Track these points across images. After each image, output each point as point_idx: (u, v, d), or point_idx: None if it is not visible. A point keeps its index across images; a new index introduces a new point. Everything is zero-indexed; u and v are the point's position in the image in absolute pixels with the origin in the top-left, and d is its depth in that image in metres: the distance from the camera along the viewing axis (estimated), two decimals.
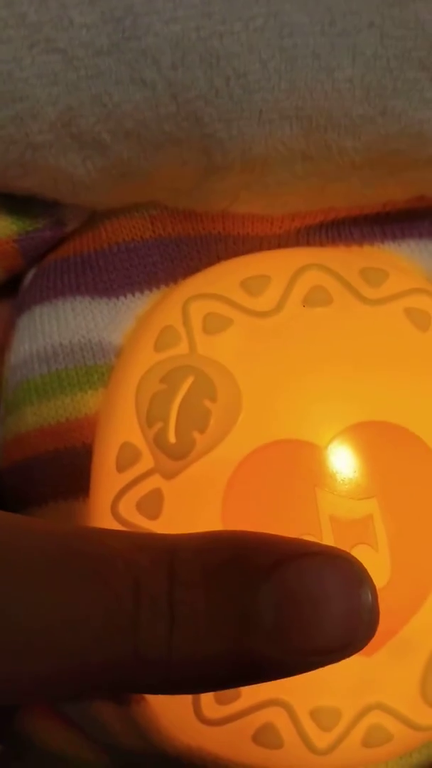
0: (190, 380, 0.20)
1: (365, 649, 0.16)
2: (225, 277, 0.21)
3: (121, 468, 0.20)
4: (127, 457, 0.20)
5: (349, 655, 0.14)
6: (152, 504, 0.20)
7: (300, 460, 0.20)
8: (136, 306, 0.22)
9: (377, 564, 0.18)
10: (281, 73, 0.17)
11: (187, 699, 0.19)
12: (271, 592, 0.14)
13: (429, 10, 0.17)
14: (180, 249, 0.22)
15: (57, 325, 0.21)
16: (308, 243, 0.22)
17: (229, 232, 0.22)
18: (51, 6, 0.17)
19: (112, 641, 0.14)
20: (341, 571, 0.15)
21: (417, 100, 0.18)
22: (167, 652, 0.14)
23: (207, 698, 0.19)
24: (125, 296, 0.22)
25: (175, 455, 0.20)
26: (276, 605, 0.14)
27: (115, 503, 0.20)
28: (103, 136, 0.18)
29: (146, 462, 0.20)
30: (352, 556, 0.15)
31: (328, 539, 0.18)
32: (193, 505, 0.19)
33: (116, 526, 0.19)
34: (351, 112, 0.18)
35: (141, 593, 0.14)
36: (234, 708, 0.19)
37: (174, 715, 0.20)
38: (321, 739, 0.19)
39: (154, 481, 0.20)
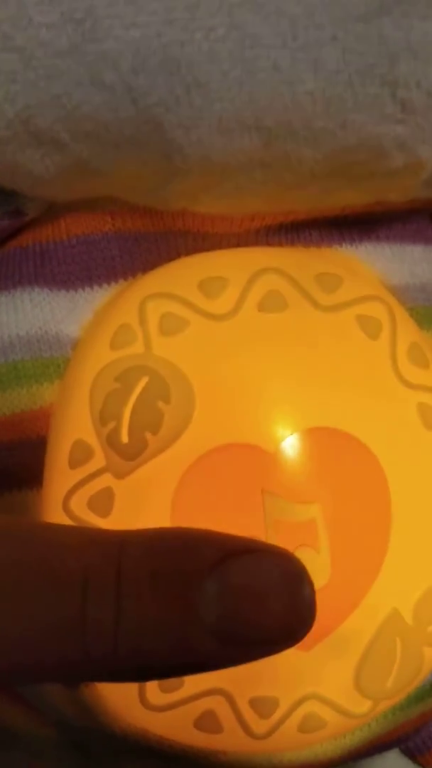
0: (144, 381, 0.20)
1: (304, 643, 0.16)
2: (183, 276, 0.21)
3: (73, 465, 0.20)
4: (80, 455, 0.20)
5: (286, 648, 0.15)
6: (103, 502, 0.20)
7: (248, 463, 0.20)
8: (94, 299, 0.21)
9: (318, 565, 0.19)
10: (242, 84, 0.17)
11: (132, 686, 0.20)
12: (215, 586, 0.15)
13: (392, 27, 0.17)
14: (139, 244, 0.21)
15: (15, 315, 0.21)
16: (267, 243, 0.22)
17: (189, 229, 0.21)
18: (10, 4, 0.16)
19: (62, 635, 0.14)
20: (282, 569, 0.15)
21: (377, 115, 0.18)
22: (114, 645, 0.14)
23: (151, 686, 0.20)
24: (83, 289, 0.21)
25: (127, 455, 0.20)
26: (219, 599, 0.14)
27: (67, 499, 0.20)
28: (62, 135, 0.18)
29: (98, 460, 0.20)
30: (293, 555, 0.15)
31: (272, 540, 0.19)
32: (143, 505, 0.20)
33: (67, 521, 0.19)
34: (311, 124, 0.18)
35: (90, 587, 0.14)
36: (177, 696, 0.20)
37: (120, 700, 0.20)
38: (259, 725, 0.20)
39: (106, 480, 0.20)
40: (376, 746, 0.23)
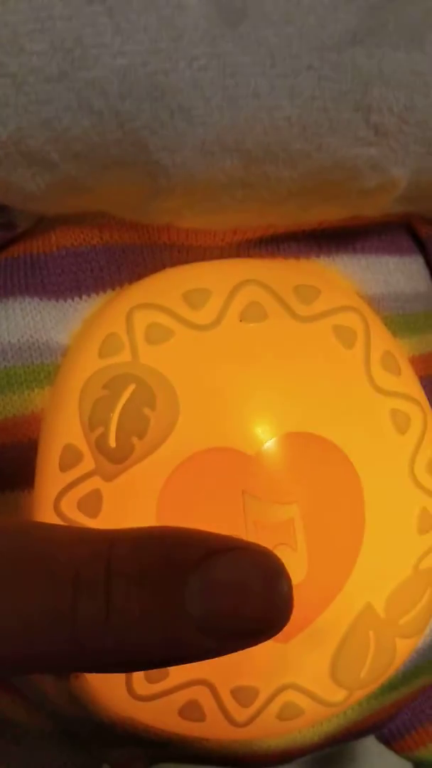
0: (131, 388, 0.21)
1: (282, 636, 0.17)
2: (168, 287, 0.22)
3: (63, 468, 0.21)
4: (70, 459, 0.21)
5: (266, 639, 0.16)
6: (92, 503, 0.20)
7: (230, 466, 0.21)
8: (83, 308, 0.22)
9: (295, 562, 0.20)
10: (223, 110, 0.18)
11: (120, 677, 0.21)
12: (199, 582, 0.15)
13: (364, 56, 0.18)
14: (126, 256, 0.22)
15: (6, 323, 0.22)
16: (248, 255, 0.23)
17: (173, 242, 0.22)
18: (3, 32, 0.17)
19: (53, 627, 0.15)
20: (261, 565, 0.16)
21: (351, 138, 0.19)
22: (103, 638, 0.15)
23: (138, 677, 0.21)
24: (72, 299, 0.22)
25: (115, 459, 0.20)
26: (203, 594, 0.15)
27: (58, 501, 0.20)
28: (52, 156, 0.19)
29: (87, 464, 0.20)
30: (272, 553, 0.16)
31: (252, 539, 0.20)
32: (130, 506, 0.20)
33: (58, 522, 0.20)
34: (288, 146, 0.18)
35: (80, 583, 0.15)
36: (162, 686, 0.21)
37: (108, 690, 0.21)
38: (240, 714, 0.21)
39: (95, 482, 0.20)
40: (353, 732, 0.24)
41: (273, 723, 0.22)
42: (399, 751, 0.27)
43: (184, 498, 0.20)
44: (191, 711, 0.21)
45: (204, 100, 0.17)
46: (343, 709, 0.23)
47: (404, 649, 0.23)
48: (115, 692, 0.21)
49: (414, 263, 0.25)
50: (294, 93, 0.18)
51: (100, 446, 0.20)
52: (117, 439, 0.20)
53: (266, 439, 0.21)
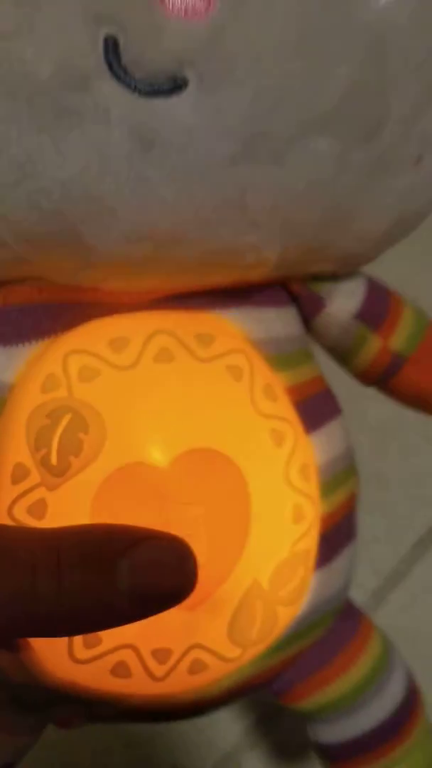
0: (68, 417, 0.24)
1: (190, 605, 0.22)
2: (96, 336, 0.25)
3: (14, 482, 0.23)
4: (19, 474, 0.23)
5: (176, 604, 0.19)
6: (39, 509, 0.23)
7: (148, 477, 0.24)
8: (26, 353, 0.25)
9: (199, 549, 0.21)
10: (139, 211, 0.22)
11: (63, 645, 0.24)
12: (127, 563, 0.18)
13: (242, 171, 0.22)
14: (61, 311, 0.25)
15: None
16: (159, 308, 0.26)
17: (99, 300, 0.25)
18: None
19: (19, 602, 0.18)
20: (174, 549, 0.19)
21: (235, 229, 0.23)
22: (56, 607, 0.18)
23: (78, 644, 0.24)
24: (17, 345, 0.25)
25: (56, 473, 0.23)
26: (130, 572, 0.18)
27: (11, 508, 0.23)
28: (6, 239, 0.23)
29: (34, 478, 0.23)
30: (183, 540, 0.19)
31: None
32: (69, 510, 0.23)
33: (12, 524, 0.23)
34: (188, 235, 0.23)
35: (38, 569, 0.18)
36: (97, 651, 0.24)
37: (53, 657, 0.24)
38: (158, 670, 0.25)
39: (40, 492, 0.23)
40: (248, 687, 0.28)
41: (185, 677, 0.25)
42: (285, 703, 0.31)
43: (112, 502, 0.23)
44: (121, 670, 0.25)
45: (124, 203, 0.22)
46: (239, 665, 0.26)
47: (285, 615, 0.27)
48: (59, 658, 0.24)
49: (289, 312, 0.30)
50: (192, 198, 0.22)
51: (44, 463, 0.23)
52: (57, 457, 0.23)
53: (175, 454, 0.24)
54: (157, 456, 0.24)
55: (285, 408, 0.27)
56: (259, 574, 0.25)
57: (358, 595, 0.51)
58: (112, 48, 0.20)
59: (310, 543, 0.27)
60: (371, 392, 0.34)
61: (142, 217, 0.22)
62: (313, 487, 0.27)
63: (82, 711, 0.27)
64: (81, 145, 0.21)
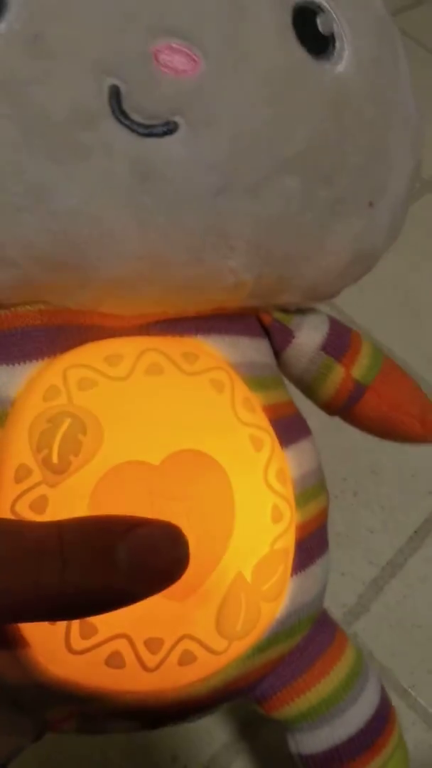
0: (68, 421, 0.25)
1: (179, 596, 0.23)
2: (93, 353, 0.27)
3: (18, 480, 0.25)
4: (23, 473, 0.25)
5: (170, 585, 0.20)
6: (40, 504, 0.25)
7: (141, 474, 0.25)
8: (27, 371, 0.27)
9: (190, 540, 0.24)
10: (138, 234, 0.25)
11: (60, 637, 0.25)
12: (125, 547, 0.19)
13: (223, 202, 0.26)
14: (60, 333, 0.27)
15: None
16: (148, 333, 0.28)
17: (95, 324, 0.28)
18: None
19: (26, 585, 0.19)
20: (168, 535, 0.20)
21: (217, 254, 0.26)
22: (61, 587, 0.19)
23: (75, 635, 0.25)
24: (20, 364, 0.27)
25: (57, 471, 0.25)
26: (128, 554, 0.19)
27: (14, 504, 0.25)
28: (16, 259, 0.26)
29: (36, 476, 0.25)
30: (175, 525, 0.20)
31: None
32: (69, 505, 0.25)
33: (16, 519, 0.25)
34: (176, 258, 0.26)
35: (43, 555, 0.19)
36: (93, 641, 0.25)
37: (49, 652, 0.25)
38: (151, 660, 0.26)
39: (42, 489, 0.25)
40: (232, 689, 0.29)
41: (174, 668, 0.27)
42: (268, 712, 0.32)
43: (108, 497, 0.25)
44: (115, 660, 0.26)
45: (124, 227, 0.25)
46: (226, 660, 0.28)
47: (267, 611, 0.28)
48: (55, 653, 0.25)
49: (261, 343, 0.33)
50: (181, 224, 0.25)
51: (45, 462, 0.25)
52: (58, 457, 0.25)
53: (165, 454, 0.26)
54: (150, 456, 0.26)
55: (262, 419, 0.29)
56: (243, 568, 0.27)
57: (356, 587, 0.52)
58: (115, 95, 0.24)
59: (288, 543, 0.29)
60: None
61: (140, 240, 0.25)
62: (289, 491, 0.30)
63: (75, 711, 0.28)
64: (88, 175, 0.24)
